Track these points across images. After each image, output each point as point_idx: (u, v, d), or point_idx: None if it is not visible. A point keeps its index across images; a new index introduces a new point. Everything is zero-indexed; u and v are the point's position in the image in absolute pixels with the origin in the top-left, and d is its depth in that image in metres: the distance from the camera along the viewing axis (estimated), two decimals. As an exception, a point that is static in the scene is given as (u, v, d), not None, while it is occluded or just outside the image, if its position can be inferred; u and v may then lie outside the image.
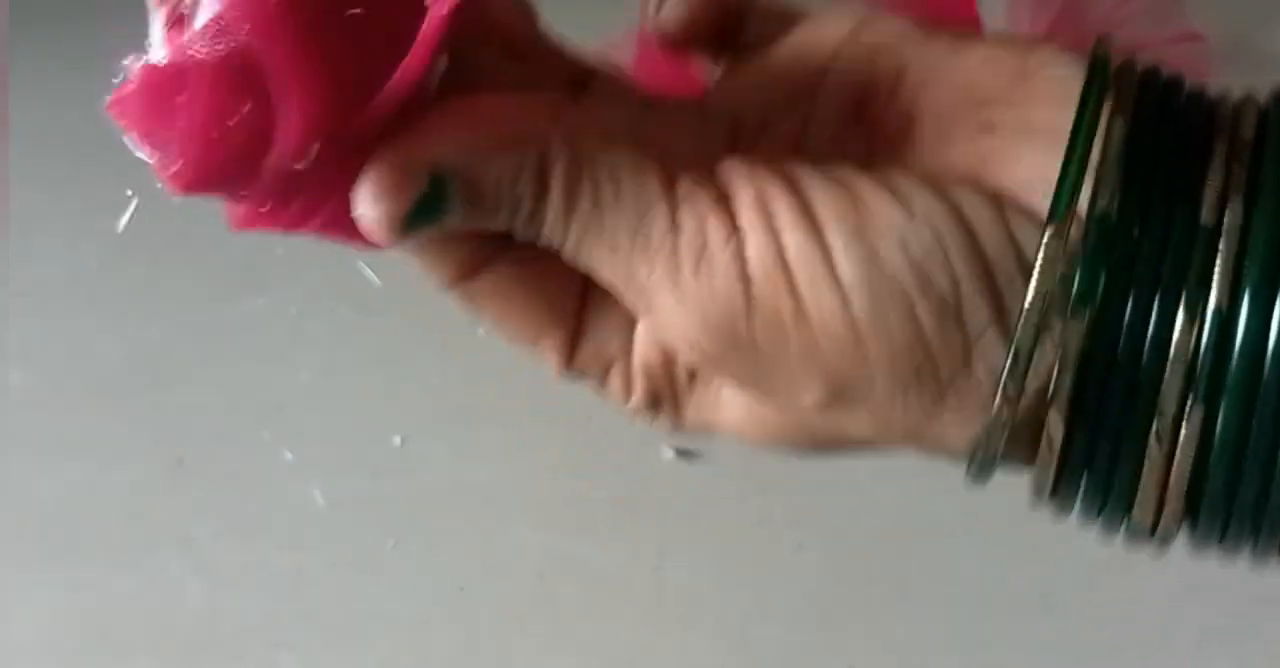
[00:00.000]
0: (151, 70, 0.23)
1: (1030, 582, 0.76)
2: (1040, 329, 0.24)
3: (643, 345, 0.28)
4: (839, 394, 0.25)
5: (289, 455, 0.84)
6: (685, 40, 0.29)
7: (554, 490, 0.81)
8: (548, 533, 0.79)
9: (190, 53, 0.23)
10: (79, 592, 0.77)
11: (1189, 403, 0.23)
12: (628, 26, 0.31)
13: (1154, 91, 0.25)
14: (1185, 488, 0.24)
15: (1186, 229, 0.24)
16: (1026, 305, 0.24)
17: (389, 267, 0.94)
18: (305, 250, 0.96)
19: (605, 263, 0.25)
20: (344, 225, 0.26)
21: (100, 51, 1.22)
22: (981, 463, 0.25)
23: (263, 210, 0.25)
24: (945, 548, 0.78)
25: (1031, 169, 0.24)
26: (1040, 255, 0.24)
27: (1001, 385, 0.24)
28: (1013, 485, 0.89)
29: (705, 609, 0.76)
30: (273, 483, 0.82)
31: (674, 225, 0.24)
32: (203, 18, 0.23)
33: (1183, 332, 0.23)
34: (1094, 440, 0.24)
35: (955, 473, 0.84)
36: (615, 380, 0.29)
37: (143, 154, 0.24)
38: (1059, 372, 0.24)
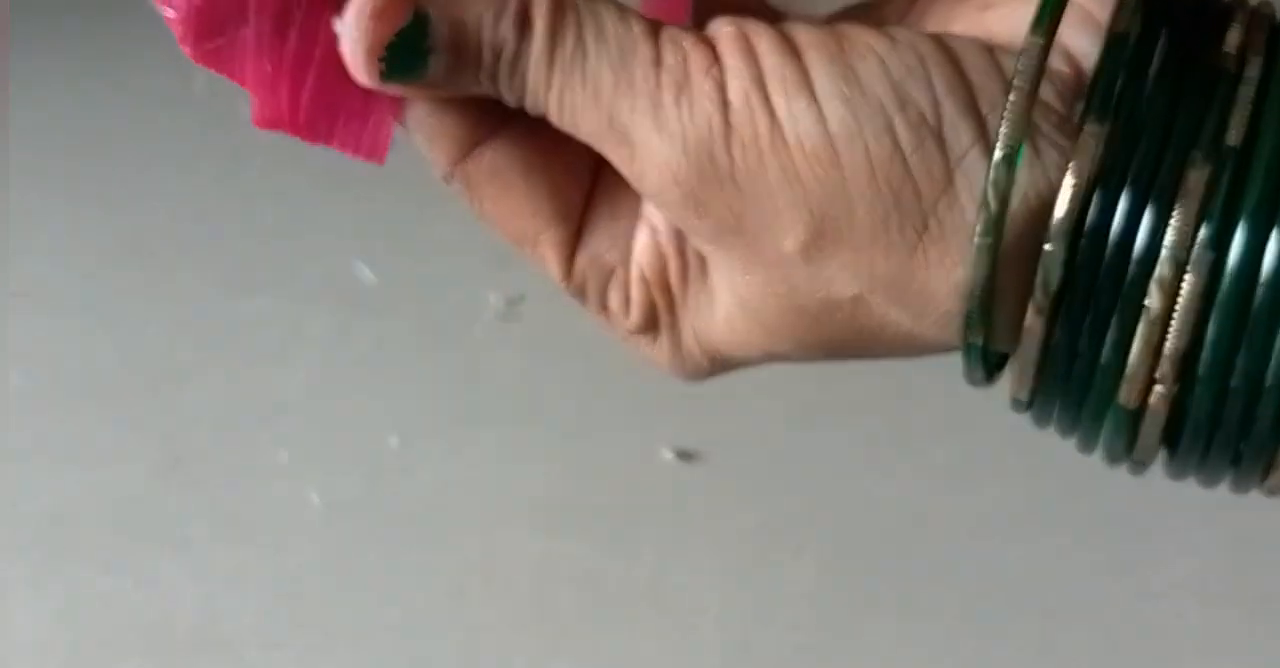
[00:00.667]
0: None
1: (1030, 582, 0.76)
2: (1021, 135, 0.23)
3: (640, 249, 0.28)
4: (819, 229, 0.24)
5: (285, 457, 0.84)
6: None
7: (552, 492, 0.81)
8: (546, 534, 0.79)
9: None
10: (75, 593, 0.77)
11: (1196, 251, 0.22)
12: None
13: None
14: (1178, 361, 0.23)
15: (1204, 72, 0.23)
16: (1008, 106, 0.23)
17: (387, 267, 0.94)
18: (302, 251, 0.96)
19: (588, 109, 0.25)
20: (343, 95, 0.26)
21: (100, 51, 1.23)
22: (974, 306, 0.24)
23: (267, 70, 0.26)
24: (945, 549, 0.78)
25: (1018, 27, 0.24)
26: (1022, 57, 0.23)
27: (981, 199, 0.23)
28: (1013, 485, 0.89)
29: (704, 611, 0.75)
30: (269, 484, 0.82)
31: (657, 61, 0.24)
32: None
33: (1196, 171, 0.22)
34: (1086, 291, 0.23)
35: (955, 473, 0.84)
36: (614, 297, 0.28)
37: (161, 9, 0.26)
38: (1067, 199, 0.23)
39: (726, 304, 0.27)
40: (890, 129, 0.23)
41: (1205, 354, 0.23)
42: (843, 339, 0.26)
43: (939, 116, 0.24)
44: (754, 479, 0.81)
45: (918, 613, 0.75)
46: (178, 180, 1.02)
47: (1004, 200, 0.23)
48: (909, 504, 0.80)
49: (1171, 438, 0.24)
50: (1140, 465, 0.25)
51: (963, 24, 0.26)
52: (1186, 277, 0.22)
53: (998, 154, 0.23)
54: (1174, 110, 0.23)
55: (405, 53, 0.25)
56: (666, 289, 0.28)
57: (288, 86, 0.27)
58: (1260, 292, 0.22)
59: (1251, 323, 0.22)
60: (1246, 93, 0.23)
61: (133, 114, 1.09)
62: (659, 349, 0.28)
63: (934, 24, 0.26)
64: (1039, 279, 0.23)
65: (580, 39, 0.25)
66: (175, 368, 0.90)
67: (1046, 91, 0.24)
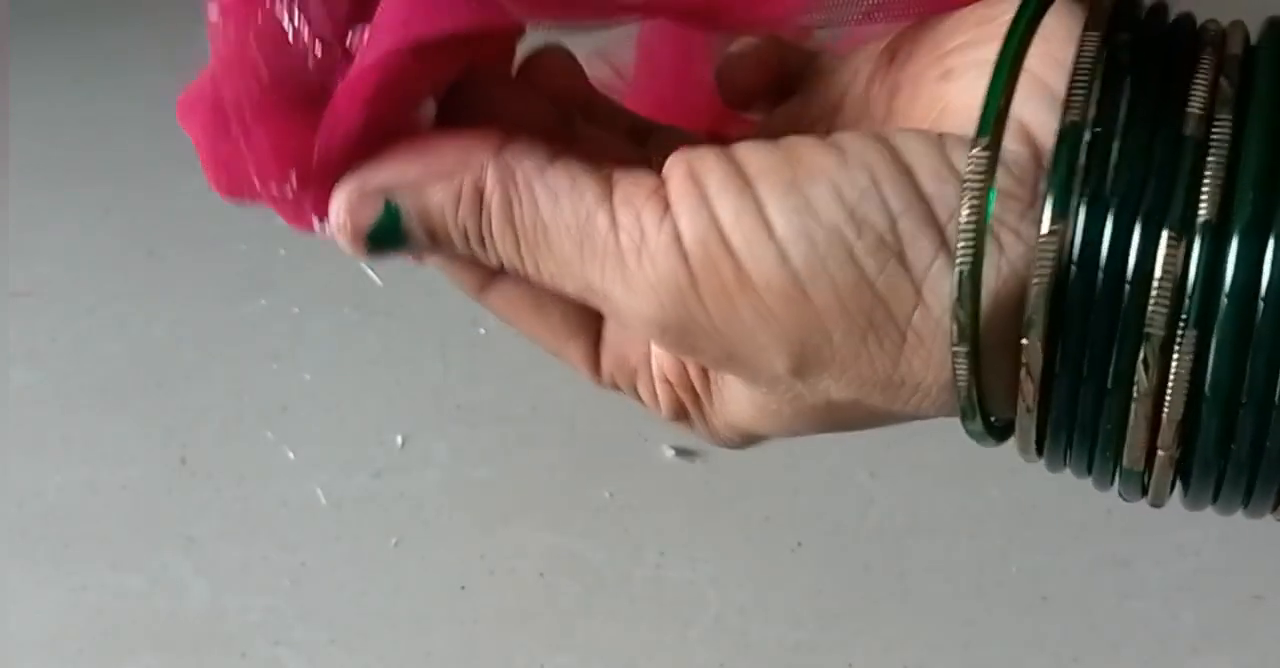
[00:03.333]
0: (188, 89, 0.27)
1: (1030, 582, 0.76)
2: (980, 247, 0.23)
3: (657, 355, 0.29)
4: (803, 356, 0.24)
5: (291, 455, 0.84)
6: (745, 101, 0.31)
7: (555, 490, 0.82)
8: (548, 532, 0.79)
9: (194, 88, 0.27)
10: (82, 590, 0.78)
11: (1180, 332, 0.22)
12: (627, 30, 0.31)
13: (1132, 7, 0.24)
14: (1177, 428, 0.23)
15: (1170, 142, 0.22)
16: (962, 220, 0.23)
17: (391, 268, 0.94)
18: (308, 252, 0.96)
19: (565, 277, 0.26)
20: None
21: (100, 51, 1.23)
22: (965, 404, 0.24)
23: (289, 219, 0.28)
24: (944, 548, 0.78)
25: (975, 99, 0.23)
26: (969, 168, 0.23)
27: (951, 311, 0.23)
28: (1009, 483, 0.90)
29: (705, 607, 0.76)
30: (275, 482, 0.83)
31: (613, 224, 0.25)
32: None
33: (1169, 251, 0.22)
34: (1075, 372, 0.23)
35: (953, 473, 0.84)
36: (644, 392, 0.30)
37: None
38: (1035, 295, 0.23)
39: (744, 406, 0.28)
40: (852, 258, 0.23)
41: (1204, 424, 0.23)
42: (858, 420, 0.27)
43: (898, 236, 0.23)
44: (754, 477, 0.82)
45: (915, 610, 0.75)
46: (181, 181, 1.02)
47: (973, 311, 0.23)
48: (906, 502, 0.80)
49: (1184, 475, 0.25)
50: (1157, 505, 0.26)
51: (925, 101, 0.26)
52: (1174, 355, 0.22)
53: (956, 270, 0.23)
54: (1140, 191, 0.22)
55: (386, 235, 0.26)
56: (690, 388, 0.29)
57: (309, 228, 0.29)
58: (1252, 363, 0.22)
59: (1248, 389, 0.22)
60: (1218, 159, 0.22)
61: (135, 114, 1.09)
62: (695, 431, 0.30)
63: (905, 99, 0.26)
64: (1023, 372, 0.23)
65: (536, 216, 0.25)
66: (182, 367, 0.90)
67: (1004, 180, 0.23)
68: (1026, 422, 0.24)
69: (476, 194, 0.25)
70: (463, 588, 0.77)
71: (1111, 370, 0.23)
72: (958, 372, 0.24)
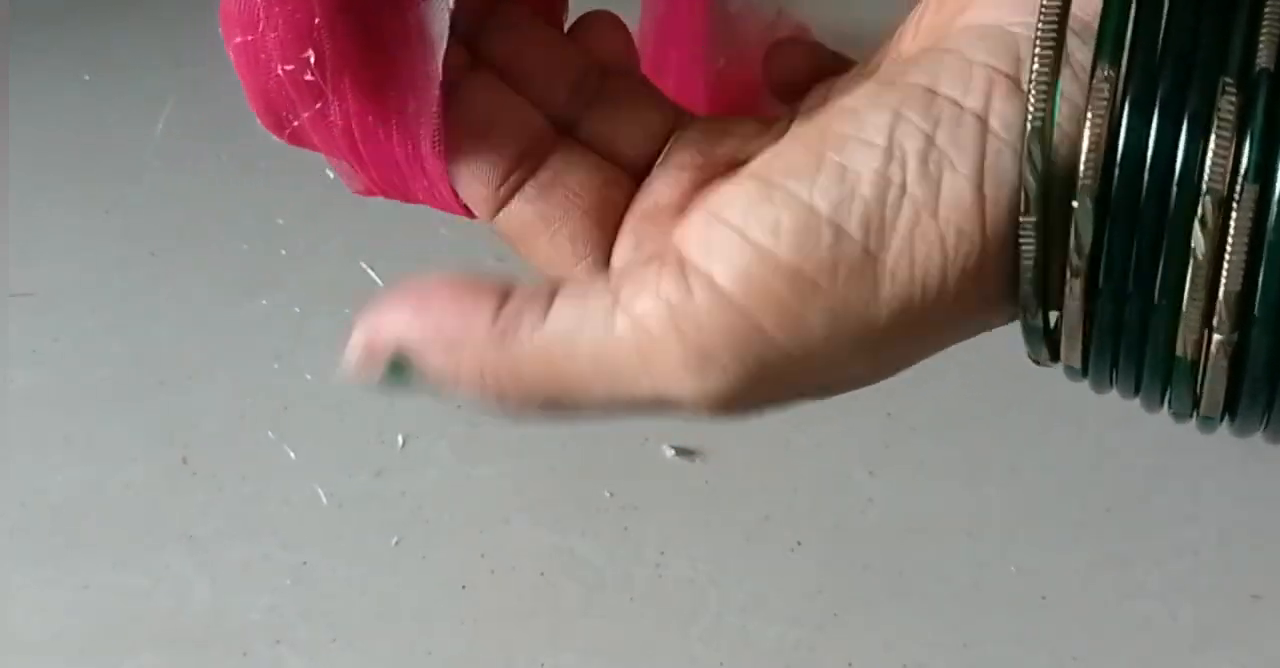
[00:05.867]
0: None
1: (1030, 582, 0.76)
2: (1051, 101, 0.22)
3: (666, 278, 0.27)
4: (905, 308, 0.23)
5: (293, 454, 0.84)
6: (791, 93, 0.30)
7: (555, 489, 0.82)
8: (549, 531, 0.79)
9: None
10: (84, 590, 0.78)
11: (1239, 185, 0.20)
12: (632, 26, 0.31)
13: None
14: (1235, 303, 0.21)
15: None
16: (1034, 70, 0.22)
17: (392, 267, 0.94)
18: (309, 251, 0.97)
19: (622, 400, 0.25)
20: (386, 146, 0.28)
21: (100, 51, 1.23)
22: (1026, 297, 0.23)
23: (318, 125, 0.28)
24: (944, 547, 0.78)
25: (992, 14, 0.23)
26: (1040, 19, 0.22)
27: (1022, 168, 0.22)
28: (1009, 483, 0.89)
29: (705, 606, 0.76)
30: (276, 481, 0.83)
31: (634, 323, 0.24)
32: None
33: (1226, 101, 0.20)
34: (1126, 238, 0.22)
35: (953, 473, 0.84)
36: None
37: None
38: (1086, 152, 0.21)
39: None
40: (904, 192, 0.22)
41: (1260, 296, 0.21)
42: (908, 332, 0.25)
43: (938, 148, 0.22)
44: (753, 476, 0.82)
45: (915, 609, 0.75)
46: (183, 182, 1.02)
47: (1046, 172, 0.22)
48: (905, 501, 0.80)
49: (1234, 393, 0.23)
50: (1208, 423, 0.23)
51: (935, 20, 0.25)
52: (1233, 213, 0.20)
53: (1029, 126, 0.21)
54: (1195, 39, 0.21)
55: (397, 376, 0.26)
56: None
57: (355, 160, 0.29)
58: None
59: None
60: (1276, 8, 0.21)
61: (135, 114, 1.09)
62: None
63: (910, 35, 0.26)
64: (1072, 242, 0.22)
65: (556, 371, 0.25)
66: (184, 367, 0.90)
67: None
68: (1075, 306, 0.22)
69: (480, 375, 0.25)
70: (463, 588, 0.77)
71: (1167, 231, 0.21)
72: (1024, 249, 0.22)
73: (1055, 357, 0.24)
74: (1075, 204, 0.21)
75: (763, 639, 0.74)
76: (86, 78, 1.13)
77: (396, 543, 0.79)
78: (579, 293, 0.25)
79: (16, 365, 0.90)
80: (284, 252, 0.96)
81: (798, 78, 0.29)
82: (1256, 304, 0.21)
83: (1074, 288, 0.22)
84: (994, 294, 0.23)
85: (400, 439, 0.85)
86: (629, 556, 0.78)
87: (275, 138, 0.29)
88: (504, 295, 0.25)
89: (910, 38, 0.26)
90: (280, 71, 0.27)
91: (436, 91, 0.26)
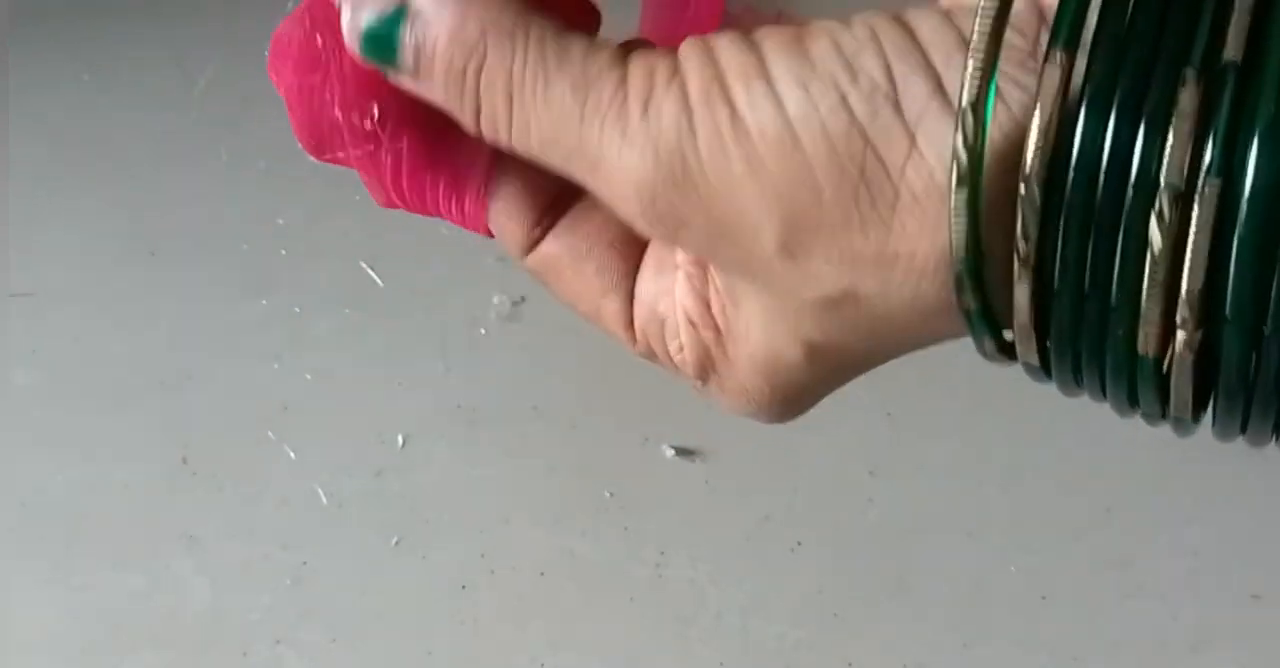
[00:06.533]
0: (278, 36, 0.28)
1: (1030, 581, 0.76)
2: (986, 80, 0.21)
3: (681, 293, 0.29)
4: (792, 220, 0.24)
5: (292, 454, 0.84)
6: None
7: (555, 489, 0.82)
8: (549, 531, 0.79)
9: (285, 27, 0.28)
10: (84, 590, 0.78)
11: (1201, 180, 0.20)
12: (627, 29, 0.31)
13: None
14: (1198, 300, 0.20)
15: None
16: (971, 45, 0.21)
17: (392, 268, 0.94)
18: (309, 252, 0.97)
19: (555, 139, 0.25)
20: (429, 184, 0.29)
21: (101, 51, 1.23)
22: (961, 268, 0.22)
23: (370, 173, 0.29)
24: (944, 548, 0.78)
25: None
26: None
27: (951, 152, 0.21)
28: (1012, 485, 0.89)
29: (705, 606, 0.76)
30: (276, 481, 0.83)
31: (623, 80, 0.25)
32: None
33: (1188, 93, 0.20)
34: (1081, 228, 0.21)
35: (953, 473, 0.84)
36: (673, 345, 0.29)
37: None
38: (1035, 136, 0.21)
39: (759, 336, 0.27)
40: (845, 103, 0.23)
41: (1230, 295, 0.20)
42: (858, 342, 0.26)
43: (892, 81, 0.23)
44: (753, 476, 0.82)
45: (915, 609, 0.75)
46: (184, 182, 1.02)
47: (975, 149, 0.21)
48: (906, 502, 0.80)
49: (1208, 394, 0.22)
50: (1181, 424, 0.23)
51: None
52: (1194, 209, 0.20)
53: (964, 100, 0.21)
54: (1159, 26, 0.21)
55: (379, 41, 0.26)
56: (712, 325, 0.28)
57: (394, 190, 0.30)
58: None
59: None
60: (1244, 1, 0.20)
61: (135, 114, 1.09)
62: (723, 387, 0.29)
63: None
64: (1019, 228, 0.21)
65: (540, 69, 0.25)
66: (184, 367, 0.90)
67: (1009, 34, 0.22)
68: (1024, 295, 0.22)
69: (480, 35, 0.25)
70: (463, 588, 0.77)
71: (1122, 226, 0.21)
72: (954, 227, 0.22)
73: (1001, 348, 0.24)
74: (1021, 190, 0.21)
75: (763, 639, 0.74)
76: (86, 78, 1.13)
77: (396, 543, 0.79)
78: (599, 40, 0.25)
79: (16, 365, 0.90)
80: (284, 252, 0.96)
81: None
82: (1227, 303, 0.20)
83: (1023, 278, 0.22)
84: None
85: (400, 439, 0.85)
86: (629, 556, 0.78)
87: (287, 143, 0.30)
88: (563, 27, 0.26)
89: None
90: (338, 114, 0.28)
91: (489, 149, 0.28)
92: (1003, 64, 0.22)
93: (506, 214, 0.29)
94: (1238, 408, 0.21)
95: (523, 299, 0.90)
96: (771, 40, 0.24)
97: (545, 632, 0.75)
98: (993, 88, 0.21)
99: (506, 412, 0.86)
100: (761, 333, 0.27)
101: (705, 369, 0.29)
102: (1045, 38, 0.22)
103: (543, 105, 0.25)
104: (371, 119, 0.27)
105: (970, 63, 0.21)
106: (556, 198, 0.29)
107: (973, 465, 0.81)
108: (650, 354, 0.30)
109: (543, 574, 0.77)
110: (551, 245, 0.29)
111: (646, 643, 0.74)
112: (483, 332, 0.91)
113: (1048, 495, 0.80)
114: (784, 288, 0.25)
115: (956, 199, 0.22)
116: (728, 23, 0.32)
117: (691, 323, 0.28)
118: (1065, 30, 0.21)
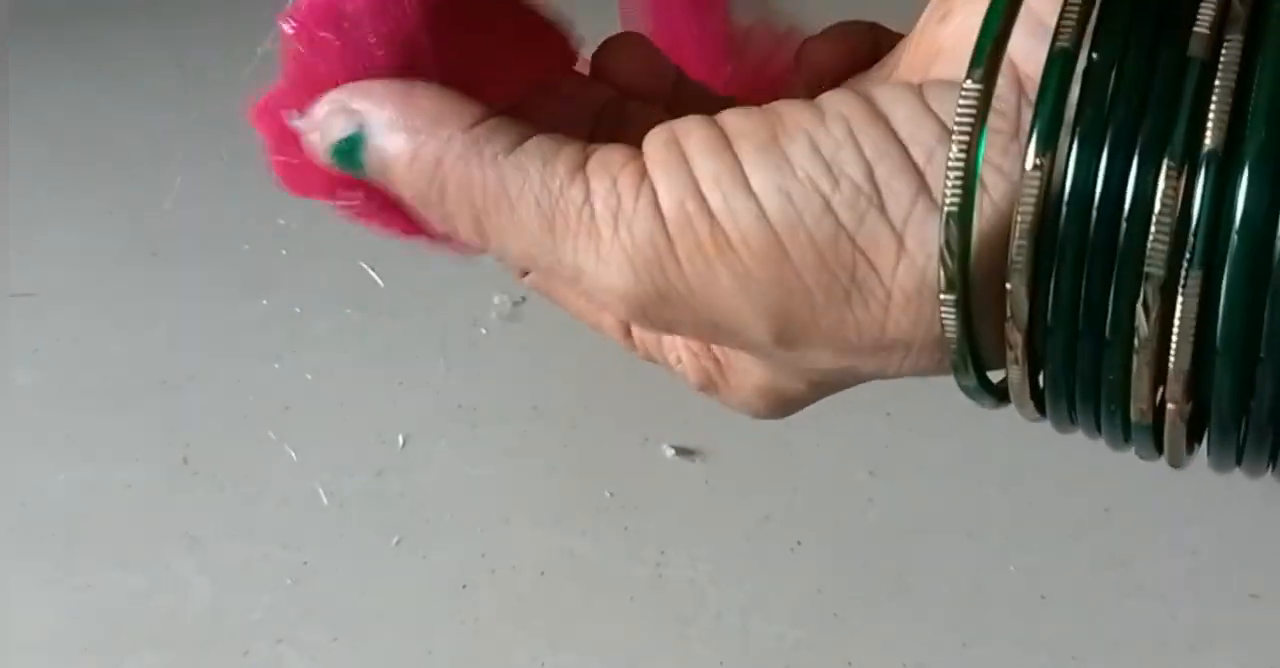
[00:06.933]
0: (267, 93, 0.28)
1: (1029, 581, 0.76)
2: (968, 182, 0.21)
3: None
4: (785, 321, 0.24)
5: (293, 454, 0.84)
6: (822, 84, 0.30)
7: (555, 489, 0.82)
8: (549, 531, 0.79)
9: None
10: (85, 590, 0.78)
11: (1184, 273, 0.20)
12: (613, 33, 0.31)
13: None
14: (1186, 380, 0.21)
15: (1172, 65, 0.20)
16: (951, 157, 0.21)
17: (392, 268, 0.94)
18: (309, 252, 0.97)
19: (532, 256, 0.25)
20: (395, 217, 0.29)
21: (100, 51, 1.23)
22: (957, 359, 0.23)
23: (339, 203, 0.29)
24: (944, 547, 0.78)
25: (967, 39, 0.22)
26: (962, 101, 0.21)
27: (939, 256, 0.21)
28: (1012, 484, 0.89)
29: (705, 606, 0.76)
30: (277, 481, 0.83)
31: (587, 196, 0.24)
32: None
33: (1169, 184, 0.20)
34: (1069, 319, 0.21)
35: (953, 473, 0.84)
36: (672, 358, 0.29)
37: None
38: (1018, 235, 0.21)
39: (756, 375, 0.28)
40: (829, 209, 0.22)
41: (1217, 379, 0.21)
42: (859, 380, 0.26)
43: (875, 185, 0.22)
44: (754, 477, 0.82)
45: (915, 609, 0.75)
46: (184, 181, 1.02)
47: (962, 255, 0.21)
48: (906, 502, 0.80)
49: (1203, 431, 0.23)
50: (1176, 465, 0.24)
51: (924, 47, 0.25)
52: (1179, 299, 0.20)
53: (945, 210, 0.21)
54: (1137, 119, 0.20)
55: (345, 158, 0.26)
56: (712, 358, 0.29)
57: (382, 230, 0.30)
58: (1271, 310, 0.20)
59: (1267, 337, 0.20)
60: (1225, 83, 0.20)
61: (135, 114, 1.09)
62: (727, 401, 0.29)
63: (911, 49, 0.26)
64: (1008, 319, 0.22)
65: (501, 194, 0.25)
66: (184, 367, 0.90)
67: (993, 120, 0.22)
68: (1018, 375, 0.23)
69: (435, 165, 0.25)
70: (463, 588, 0.77)
71: (1109, 316, 0.21)
72: (946, 324, 0.22)
73: (999, 402, 0.24)
74: (1009, 286, 0.21)
75: (763, 639, 0.74)
76: (86, 78, 1.13)
77: (396, 543, 0.80)
78: (557, 143, 0.25)
79: (16, 365, 0.90)
80: (284, 252, 0.96)
81: (832, 70, 0.29)
82: (1218, 342, 0.20)
83: (1015, 362, 0.22)
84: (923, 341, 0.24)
85: (400, 439, 0.85)
86: (629, 556, 0.78)
87: None
88: (487, 113, 0.25)
89: (914, 46, 0.26)
90: (323, 190, 0.28)
91: None
92: (989, 155, 0.22)
93: None
94: (1231, 443, 0.22)
95: (523, 299, 0.90)
96: (747, 139, 0.23)
97: (545, 632, 0.75)
98: (974, 193, 0.21)
99: (506, 412, 0.86)
100: (764, 371, 0.27)
101: (707, 388, 0.29)
102: (1028, 116, 0.22)
103: (511, 230, 0.25)
104: (357, 202, 0.27)
105: (950, 174, 0.21)
106: None
107: (973, 465, 0.81)
108: (650, 360, 0.30)
109: (543, 574, 0.78)
110: None
111: (646, 643, 0.74)
112: (483, 332, 0.91)
113: (1047, 496, 0.80)
114: (784, 361, 0.25)
115: (946, 300, 0.22)
116: (734, 33, 0.32)
117: (692, 352, 0.29)
118: (1043, 129, 0.21)
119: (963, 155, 0.21)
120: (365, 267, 0.94)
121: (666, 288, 0.24)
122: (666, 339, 0.29)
